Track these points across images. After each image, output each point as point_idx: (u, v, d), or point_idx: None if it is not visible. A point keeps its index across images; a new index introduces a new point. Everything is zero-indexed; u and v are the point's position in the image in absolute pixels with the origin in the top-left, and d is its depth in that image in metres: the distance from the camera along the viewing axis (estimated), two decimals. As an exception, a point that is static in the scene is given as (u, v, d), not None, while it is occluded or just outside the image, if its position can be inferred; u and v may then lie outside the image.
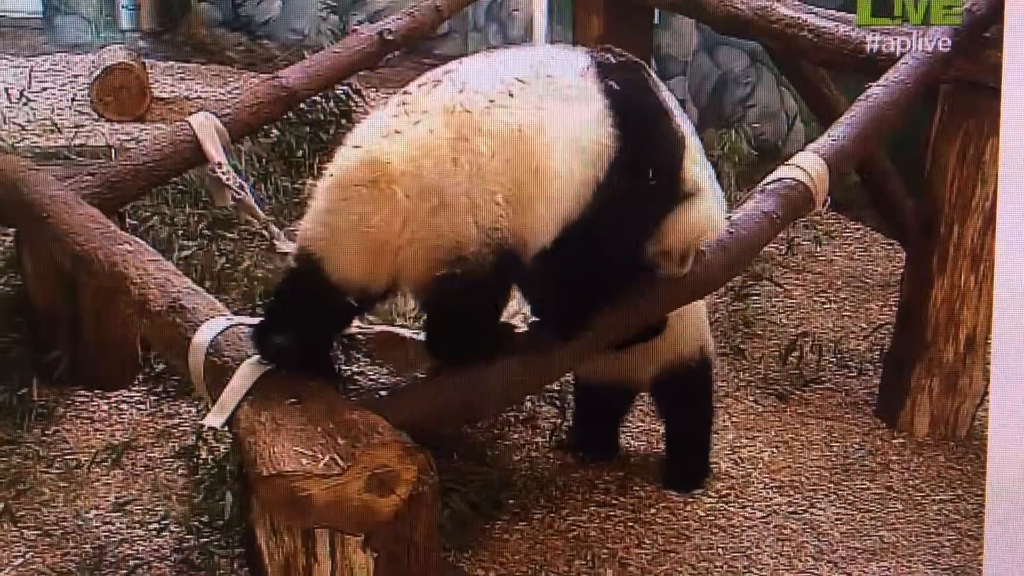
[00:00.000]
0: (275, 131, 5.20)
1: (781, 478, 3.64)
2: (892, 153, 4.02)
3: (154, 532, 3.21)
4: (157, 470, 3.50)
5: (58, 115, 6.37)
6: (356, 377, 2.90)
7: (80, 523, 3.26)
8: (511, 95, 2.39)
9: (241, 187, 3.72)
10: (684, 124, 2.74)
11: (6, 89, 6.54)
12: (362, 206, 2.31)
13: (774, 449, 3.80)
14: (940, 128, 3.74)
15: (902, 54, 3.45)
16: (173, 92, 7.06)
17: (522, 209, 2.37)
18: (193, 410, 3.74)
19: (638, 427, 3.83)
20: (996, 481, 2.23)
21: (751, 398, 4.11)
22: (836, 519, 3.45)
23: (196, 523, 3.15)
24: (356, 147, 2.38)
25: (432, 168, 2.31)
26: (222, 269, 4.35)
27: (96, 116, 6.43)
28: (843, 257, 5.32)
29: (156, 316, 2.71)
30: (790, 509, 3.49)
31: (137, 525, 3.25)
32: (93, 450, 3.55)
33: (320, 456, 2.14)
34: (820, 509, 3.50)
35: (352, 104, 5.31)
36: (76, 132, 5.93)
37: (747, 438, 3.85)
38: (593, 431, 3.65)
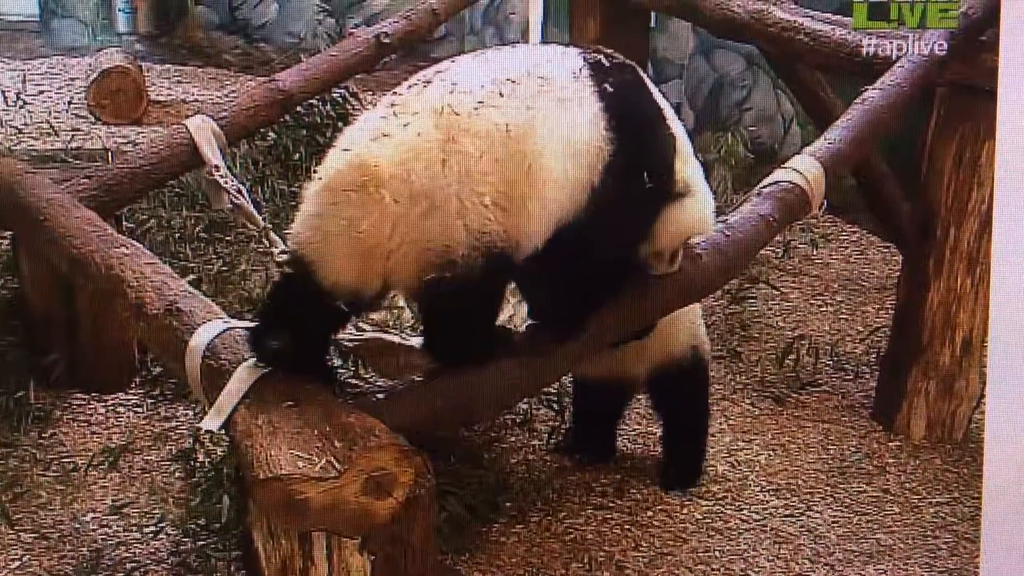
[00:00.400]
0: (272, 134, 5.20)
1: (778, 481, 3.65)
2: (888, 156, 4.02)
3: (151, 535, 3.21)
4: (154, 473, 3.50)
5: (55, 118, 6.39)
6: (352, 380, 2.90)
7: (77, 526, 3.25)
8: (501, 95, 2.37)
9: (238, 190, 3.72)
10: (675, 124, 2.73)
11: (3, 92, 6.55)
12: (351, 211, 2.29)
13: (771, 452, 3.81)
14: (936, 131, 3.75)
15: (898, 57, 3.45)
16: (170, 95, 7.08)
17: (513, 210, 2.35)
18: (190, 413, 3.74)
19: (635, 430, 3.84)
20: (993, 484, 2.23)
21: (748, 401, 4.12)
22: (833, 522, 3.46)
23: (193, 526, 3.15)
24: (345, 150, 2.35)
25: (421, 171, 2.28)
26: (219, 272, 4.35)
27: (93, 119, 6.44)
28: (839, 260, 5.33)
29: (153, 319, 2.70)
30: (787, 512, 3.49)
31: (134, 528, 3.25)
32: (90, 453, 3.55)
33: (317, 459, 2.13)
34: (817, 512, 3.50)
35: (349, 107, 5.30)
36: (73, 135, 5.93)
37: (744, 441, 3.86)
38: (591, 431, 3.66)
